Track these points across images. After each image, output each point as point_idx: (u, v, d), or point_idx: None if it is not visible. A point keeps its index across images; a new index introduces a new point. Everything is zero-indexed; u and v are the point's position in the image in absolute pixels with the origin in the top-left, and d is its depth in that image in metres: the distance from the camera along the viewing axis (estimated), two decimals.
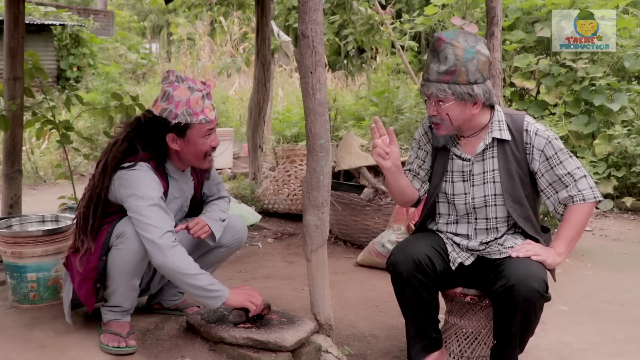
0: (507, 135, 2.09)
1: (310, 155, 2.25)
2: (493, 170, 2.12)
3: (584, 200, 2.04)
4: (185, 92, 2.16)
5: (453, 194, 2.18)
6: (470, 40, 1.99)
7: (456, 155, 2.17)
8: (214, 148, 2.29)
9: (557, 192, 2.08)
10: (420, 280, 2.08)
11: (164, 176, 2.26)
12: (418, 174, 2.28)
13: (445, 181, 2.20)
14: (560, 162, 2.06)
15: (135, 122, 2.28)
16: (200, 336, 2.32)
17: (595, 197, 2.04)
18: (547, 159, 2.06)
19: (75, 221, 2.31)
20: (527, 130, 2.09)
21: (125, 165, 2.19)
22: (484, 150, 2.12)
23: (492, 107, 2.13)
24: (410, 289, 2.09)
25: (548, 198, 2.11)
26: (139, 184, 2.13)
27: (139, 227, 2.10)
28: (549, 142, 2.06)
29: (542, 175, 2.08)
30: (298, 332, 2.25)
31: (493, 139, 2.10)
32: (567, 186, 2.05)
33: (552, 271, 2.14)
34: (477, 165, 2.14)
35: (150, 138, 2.22)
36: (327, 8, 6.43)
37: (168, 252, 2.07)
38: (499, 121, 2.11)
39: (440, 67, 1.98)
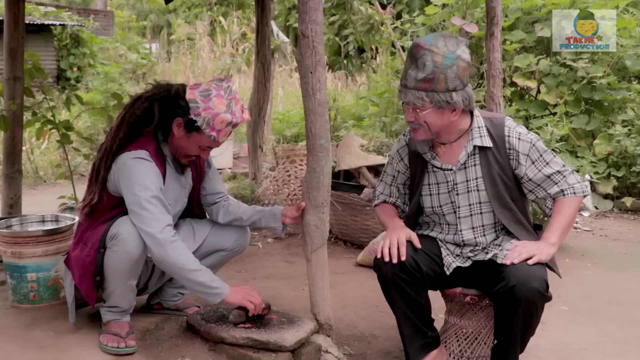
0: (488, 142, 2.08)
1: (310, 155, 2.25)
2: (476, 179, 2.11)
3: (574, 193, 2.07)
4: (222, 106, 2.14)
5: (440, 206, 2.17)
6: (450, 45, 1.94)
7: (436, 167, 2.16)
8: (199, 157, 2.30)
9: (546, 190, 2.09)
10: (405, 280, 2.07)
11: (161, 159, 2.25)
12: (397, 199, 2.33)
13: (431, 195, 2.19)
14: (547, 164, 2.07)
15: (166, 87, 2.27)
16: (200, 336, 2.32)
17: (584, 191, 2.08)
18: (534, 162, 2.07)
19: (89, 174, 2.30)
20: (509, 136, 2.08)
21: (126, 152, 2.18)
22: (466, 160, 2.11)
23: (471, 112, 2.11)
24: (396, 289, 2.09)
25: (537, 197, 2.12)
26: (138, 176, 2.13)
27: (138, 220, 2.10)
28: (533, 145, 2.07)
29: (530, 179, 2.09)
30: (298, 332, 2.25)
31: (474, 146, 2.09)
32: (556, 183, 2.08)
33: (555, 268, 2.14)
34: (460, 174, 2.12)
35: (166, 108, 2.21)
36: (327, 8, 6.43)
37: (168, 246, 2.07)
38: (479, 127, 2.09)
39: (419, 74, 1.94)
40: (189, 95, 2.17)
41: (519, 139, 2.07)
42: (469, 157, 2.10)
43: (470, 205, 2.12)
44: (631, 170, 5.53)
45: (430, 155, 2.15)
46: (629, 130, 5.69)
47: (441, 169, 2.14)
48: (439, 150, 2.15)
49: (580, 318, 2.92)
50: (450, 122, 2.03)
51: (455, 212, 2.15)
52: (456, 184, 2.13)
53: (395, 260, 2.04)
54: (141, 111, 2.22)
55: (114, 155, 2.20)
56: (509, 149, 2.08)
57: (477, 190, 2.11)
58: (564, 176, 2.08)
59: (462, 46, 1.96)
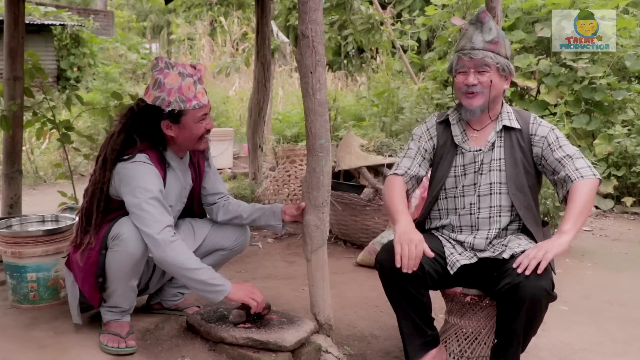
0: (516, 124, 2.18)
1: (310, 155, 2.25)
2: (500, 159, 2.17)
3: (582, 177, 2.05)
4: (176, 78, 2.15)
5: (463, 186, 2.21)
6: None
7: (466, 150, 2.22)
8: (208, 131, 2.29)
9: (558, 174, 2.11)
10: (406, 277, 2.06)
11: (162, 165, 2.25)
12: (417, 174, 2.27)
13: (455, 176, 2.23)
14: (560, 147, 2.13)
15: (129, 112, 2.26)
16: (200, 336, 2.32)
17: (594, 174, 2.06)
18: (549, 145, 2.14)
19: (78, 217, 2.30)
20: (533, 123, 2.19)
21: (125, 157, 2.18)
22: (494, 140, 2.19)
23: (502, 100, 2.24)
24: (397, 286, 2.09)
25: (554, 184, 2.15)
26: (138, 178, 2.13)
27: (138, 221, 2.10)
28: (552, 129, 2.17)
29: (546, 161, 2.13)
30: (298, 332, 2.25)
31: (503, 126, 2.18)
32: (564, 166, 2.09)
33: (552, 267, 2.13)
34: (487, 155, 2.19)
35: (145, 127, 2.21)
36: (327, 8, 6.42)
37: (167, 247, 2.07)
38: (508, 112, 2.22)
39: (486, 36, 2.11)
40: (148, 100, 2.18)
41: (540, 125, 2.18)
42: (497, 137, 2.18)
43: (490, 184, 2.17)
44: (631, 170, 5.53)
45: (462, 138, 2.22)
46: (629, 130, 5.70)
47: (470, 151, 2.20)
48: (470, 135, 2.22)
49: (580, 318, 2.92)
50: (502, 91, 2.18)
51: (476, 191, 2.19)
52: (482, 164, 2.18)
53: (409, 271, 2.01)
54: (119, 145, 2.20)
55: (106, 197, 2.20)
56: (532, 134, 2.17)
57: (499, 170, 2.17)
58: (572, 159, 2.09)
59: None
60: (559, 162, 2.10)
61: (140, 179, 2.13)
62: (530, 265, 1.91)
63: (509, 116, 2.20)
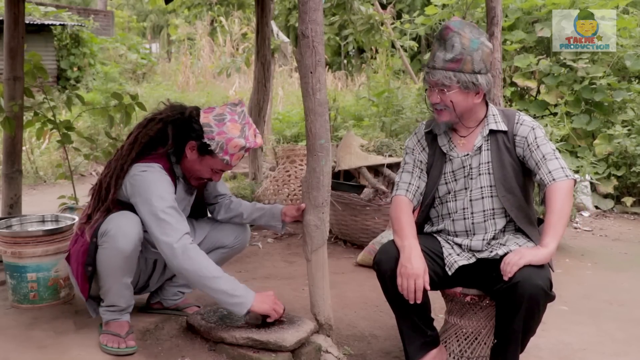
0: (502, 126, 2.16)
1: (310, 155, 2.25)
2: (488, 162, 2.16)
3: (554, 180, 2.04)
4: (235, 131, 2.17)
5: (455, 192, 2.20)
6: (475, 32, 2.06)
7: (454, 156, 2.21)
8: (211, 180, 2.34)
9: (535, 176, 2.11)
10: None
11: (173, 176, 2.28)
12: (416, 191, 2.27)
13: (447, 183, 2.22)
14: (538, 147, 2.10)
15: (180, 109, 2.29)
16: (200, 336, 2.32)
17: (567, 176, 2.04)
18: (529, 145, 2.12)
19: (94, 188, 2.30)
20: (516, 122, 2.16)
21: (140, 165, 2.19)
22: (481, 144, 2.17)
23: (486, 103, 2.20)
24: (395, 287, 2.08)
25: (538, 185, 2.15)
26: (154, 187, 2.14)
27: (156, 230, 2.09)
28: (532, 129, 2.13)
29: (527, 162, 2.13)
30: (298, 332, 2.25)
31: (490, 131, 2.16)
32: (540, 169, 2.08)
33: (550, 266, 2.13)
34: (475, 159, 2.18)
35: (179, 132, 2.23)
36: (327, 8, 6.42)
37: (185, 254, 2.06)
38: (493, 115, 2.19)
39: (447, 54, 2.04)
40: (203, 119, 2.19)
41: (521, 124, 2.15)
42: (483, 141, 2.17)
43: (481, 187, 2.16)
44: (631, 170, 5.53)
45: (449, 147, 2.22)
46: (629, 130, 5.70)
47: (458, 157, 2.20)
48: (457, 142, 2.21)
49: (580, 318, 2.92)
50: (473, 104, 2.12)
51: (467, 196, 2.18)
52: (472, 168, 2.18)
53: (412, 302, 2.05)
54: (154, 132, 2.24)
55: (125, 174, 2.20)
56: (515, 135, 2.15)
57: (489, 173, 2.15)
58: (546, 161, 2.07)
59: (484, 35, 2.09)
60: (536, 164, 2.09)
61: (156, 188, 2.14)
62: (506, 270, 1.93)
63: (495, 119, 2.17)
